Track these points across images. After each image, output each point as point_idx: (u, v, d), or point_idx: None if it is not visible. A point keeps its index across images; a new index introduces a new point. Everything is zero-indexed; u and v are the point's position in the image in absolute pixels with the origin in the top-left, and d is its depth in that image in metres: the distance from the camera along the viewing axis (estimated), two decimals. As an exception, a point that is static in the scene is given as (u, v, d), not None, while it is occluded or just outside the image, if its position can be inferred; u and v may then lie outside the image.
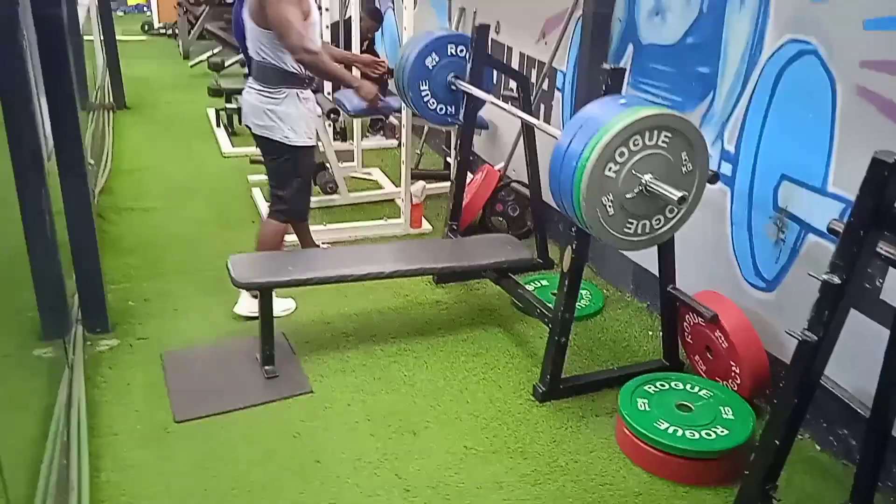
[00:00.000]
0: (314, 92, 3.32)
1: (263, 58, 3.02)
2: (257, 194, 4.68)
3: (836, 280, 1.69)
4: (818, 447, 2.60)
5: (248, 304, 3.22)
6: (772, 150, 2.71)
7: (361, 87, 3.32)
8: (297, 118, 3.10)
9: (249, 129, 3.18)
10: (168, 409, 2.66)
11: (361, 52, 5.13)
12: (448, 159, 5.23)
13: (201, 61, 8.27)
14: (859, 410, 2.11)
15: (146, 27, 11.23)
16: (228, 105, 6.04)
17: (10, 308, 2.93)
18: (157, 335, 3.11)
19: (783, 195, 2.68)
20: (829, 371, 1.86)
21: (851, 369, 2.30)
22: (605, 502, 2.32)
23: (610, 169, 2.18)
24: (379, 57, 6.21)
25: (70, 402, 2.49)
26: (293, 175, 3.20)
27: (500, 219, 4.25)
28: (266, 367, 2.83)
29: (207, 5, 8.96)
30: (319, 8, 3.74)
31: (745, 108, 2.80)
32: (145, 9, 12.49)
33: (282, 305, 3.25)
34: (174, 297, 3.45)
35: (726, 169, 2.93)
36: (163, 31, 11.02)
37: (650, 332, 3.31)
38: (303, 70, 3.06)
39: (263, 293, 2.80)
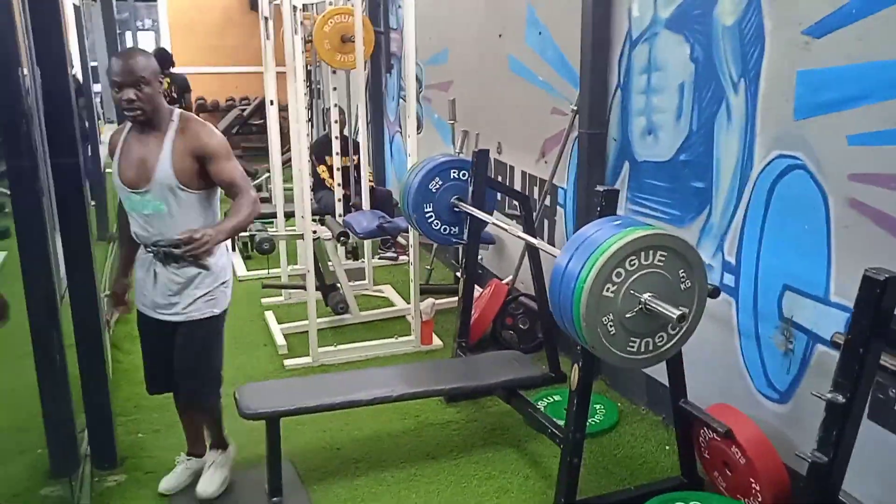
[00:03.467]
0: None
1: None
2: (270, 317, 4.74)
3: (841, 399, 1.67)
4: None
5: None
6: (772, 260, 2.74)
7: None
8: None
9: None
10: (174, 548, 2.60)
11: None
12: (458, 274, 5.30)
13: (219, 187, 8.58)
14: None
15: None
16: (243, 232, 6.20)
17: (20, 447, 2.94)
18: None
19: (787, 305, 2.68)
20: (852, 486, 1.81)
21: (875, 483, 2.24)
22: None
23: (608, 289, 2.20)
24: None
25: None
26: None
27: (511, 332, 4.26)
28: (273, 500, 2.78)
29: (225, 135, 9.36)
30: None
31: (742, 221, 2.85)
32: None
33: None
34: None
35: (729, 280, 2.94)
36: (183, 159, 11.48)
37: (667, 447, 3.23)
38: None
39: (271, 423, 2.79)
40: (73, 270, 2.81)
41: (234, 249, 6.39)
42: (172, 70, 7.99)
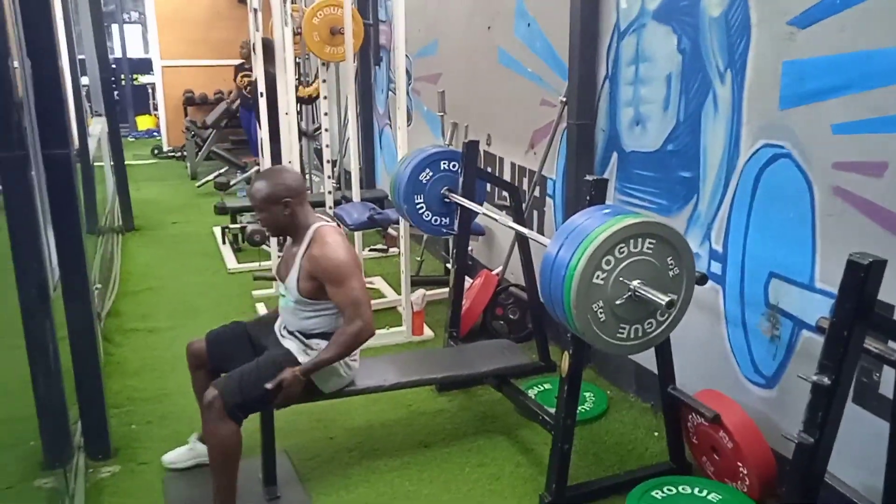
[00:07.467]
0: None
1: None
2: (261, 309, 4.74)
3: (826, 381, 1.71)
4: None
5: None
6: (758, 248, 2.78)
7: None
8: None
9: None
10: (169, 537, 2.61)
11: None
12: (448, 265, 5.32)
13: (208, 181, 8.57)
14: (869, 510, 2.08)
15: (156, 151, 11.65)
16: (233, 225, 6.21)
17: (13, 438, 2.94)
18: (159, 459, 3.08)
19: (773, 292, 2.72)
20: (838, 469, 1.85)
21: (860, 466, 2.28)
22: None
23: (598, 277, 2.23)
24: None
25: (70, 534, 2.46)
26: None
27: (501, 322, 4.29)
28: (268, 489, 2.80)
29: (214, 128, 9.35)
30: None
31: (729, 210, 2.89)
32: (155, 133, 13.05)
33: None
34: (177, 420, 3.44)
35: (716, 268, 2.98)
36: (172, 153, 11.44)
37: (656, 434, 3.28)
38: None
39: (265, 413, 2.80)
40: (65, 263, 2.82)
41: (224, 243, 6.39)
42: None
